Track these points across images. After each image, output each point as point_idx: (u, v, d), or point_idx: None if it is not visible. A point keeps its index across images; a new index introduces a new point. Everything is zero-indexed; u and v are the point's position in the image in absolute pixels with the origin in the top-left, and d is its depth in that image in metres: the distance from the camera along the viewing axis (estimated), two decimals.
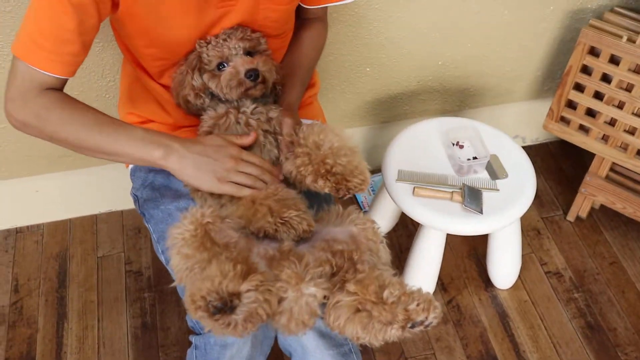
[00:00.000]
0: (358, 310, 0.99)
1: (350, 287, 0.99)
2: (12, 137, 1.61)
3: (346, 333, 1.01)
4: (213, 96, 1.16)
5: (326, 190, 1.05)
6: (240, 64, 1.10)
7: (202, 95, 1.14)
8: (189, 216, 1.00)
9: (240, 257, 0.95)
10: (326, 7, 1.28)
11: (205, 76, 1.13)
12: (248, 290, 0.89)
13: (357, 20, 1.57)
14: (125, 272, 1.71)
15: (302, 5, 1.25)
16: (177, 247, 0.98)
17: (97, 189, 1.79)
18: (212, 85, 1.13)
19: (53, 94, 1.05)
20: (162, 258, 1.20)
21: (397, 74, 1.73)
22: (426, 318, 0.95)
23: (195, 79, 1.13)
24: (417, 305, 0.95)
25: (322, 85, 1.68)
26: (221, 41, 1.11)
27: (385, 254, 1.10)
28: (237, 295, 0.89)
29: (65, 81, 1.08)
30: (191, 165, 1.05)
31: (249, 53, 1.13)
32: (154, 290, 1.67)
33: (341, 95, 1.74)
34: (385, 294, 0.96)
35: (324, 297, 1.03)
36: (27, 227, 1.80)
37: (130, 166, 1.31)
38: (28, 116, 1.04)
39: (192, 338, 1.17)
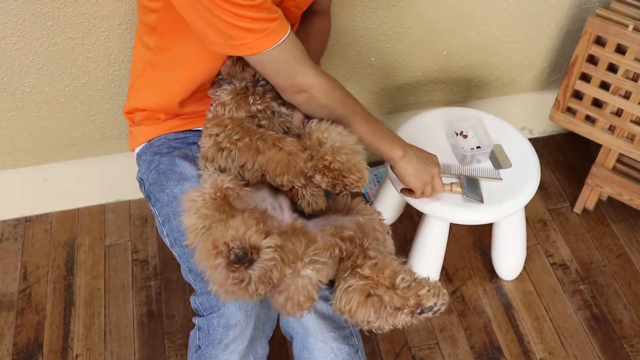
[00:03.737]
0: (369, 295, 1.02)
1: (365, 271, 1.02)
2: (21, 126, 1.63)
3: (357, 317, 1.03)
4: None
5: (323, 186, 1.08)
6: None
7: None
8: (209, 180, 1.02)
9: (260, 220, 0.97)
10: None
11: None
12: (268, 247, 0.91)
13: (361, 10, 1.58)
14: (131, 261, 1.73)
15: None
16: (195, 207, 1.00)
17: (105, 179, 1.81)
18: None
19: (323, 75, 1.14)
20: (166, 241, 1.22)
21: (402, 64, 1.73)
22: (435, 304, 0.99)
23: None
24: (428, 290, 1.00)
25: None
26: None
27: (390, 244, 1.13)
28: (257, 249, 0.91)
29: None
30: (414, 168, 1.27)
31: None
32: (160, 278, 1.68)
33: (345, 86, 1.72)
34: (398, 279, 1.00)
35: (333, 283, 1.05)
36: (36, 216, 1.83)
37: (137, 150, 1.32)
38: (326, 80, 1.15)
39: (195, 320, 1.18)
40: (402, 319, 1.01)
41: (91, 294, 1.66)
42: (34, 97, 1.58)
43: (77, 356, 1.54)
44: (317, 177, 1.07)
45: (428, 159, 1.30)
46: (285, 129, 1.16)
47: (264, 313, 1.16)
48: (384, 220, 1.15)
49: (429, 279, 1.03)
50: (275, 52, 1.07)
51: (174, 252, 1.22)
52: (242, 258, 0.90)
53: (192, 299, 1.18)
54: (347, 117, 1.17)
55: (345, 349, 1.18)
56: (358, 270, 1.03)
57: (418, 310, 1.00)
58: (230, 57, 1.17)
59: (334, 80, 1.17)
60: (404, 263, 1.07)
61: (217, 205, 0.99)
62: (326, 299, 1.18)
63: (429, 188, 1.31)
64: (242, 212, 0.99)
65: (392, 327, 1.03)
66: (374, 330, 1.04)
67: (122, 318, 1.61)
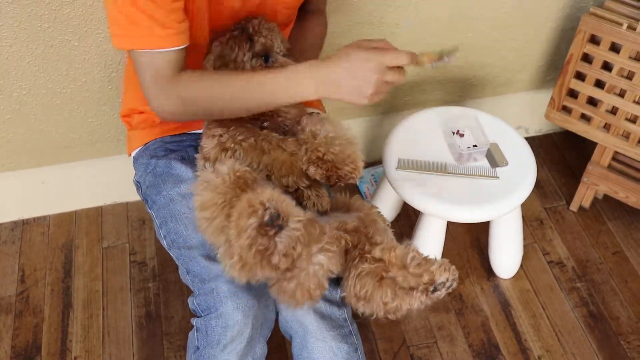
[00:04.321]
0: (382, 278, 1.01)
1: (376, 253, 1.02)
2: (18, 128, 1.63)
3: (374, 300, 1.02)
4: None
5: (317, 177, 1.07)
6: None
7: None
8: (225, 165, 1.01)
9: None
10: None
11: (248, 55, 1.13)
12: (297, 217, 0.91)
13: (357, 10, 1.58)
14: (129, 263, 1.73)
15: None
16: (212, 186, 0.99)
17: (102, 181, 1.81)
18: (249, 66, 1.13)
19: (185, 75, 1.06)
20: (163, 243, 1.22)
21: None
22: (447, 279, 0.99)
23: (240, 54, 1.14)
24: (439, 266, 1.00)
25: None
26: (268, 34, 1.12)
27: (391, 235, 1.13)
28: (287, 217, 0.91)
29: (184, 51, 1.06)
30: (343, 92, 1.03)
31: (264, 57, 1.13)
32: (158, 280, 1.68)
33: None
34: (408, 258, 1.00)
35: (337, 282, 1.05)
36: (34, 218, 1.83)
37: (133, 154, 1.33)
38: (175, 105, 1.07)
39: (194, 321, 1.18)
40: (417, 298, 1.00)
41: (89, 296, 1.66)
42: (30, 100, 1.58)
43: (75, 358, 1.54)
44: (311, 169, 1.06)
45: (356, 65, 1.01)
46: (285, 127, 1.16)
47: (262, 314, 1.17)
48: (382, 214, 1.16)
49: (436, 257, 1.03)
50: (140, 56, 1.04)
51: (171, 254, 1.22)
52: (275, 220, 0.89)
53: (189, 300, 1.19)
54: (225, 105, 1.08)
55: (345, 347, 1.18)
56: (367, 255, 1.03)
57: (431, 288, 0.99)
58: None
59: (181, 101, 1.08)
60: (409, 245, 1.07)
61: (237, 183, 0.98)
62: (325, 299, 1.18)
63: (383, 86, 1.03)
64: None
65: (408, 308, 1.02)
66: (389, 316, 1.03)
67: (120, 320, 1.61)
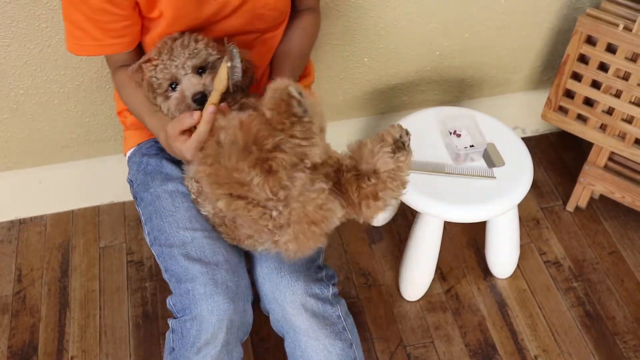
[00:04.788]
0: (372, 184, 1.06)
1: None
2: (15, 128, 1.63)
3: (386, 198, 1.06)
4: None
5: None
6: (187, 87, 1.11)
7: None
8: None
9: None
10: None
11: (159, 99, 1.15)
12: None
13: (354, 10, 1.58)
14: (126, 262, 1.73)
15: None
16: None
17: (99, 181, 1.81)
18: (165, 108, 1.15)
19: (119, 75, 1.24)
20: (147, 239, 1.23)
21: (396, 65, 1.74)
22: (400, 135, 1.06)
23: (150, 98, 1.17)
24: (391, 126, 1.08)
25: (320, 75, 1.69)
26: (168, 60, 1.12)
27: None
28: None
29: (132, 52, 1.21)
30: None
31: (201, 68, 1.13)
32: (155, 279, 1.68)
33: (339, 86, 1.75)
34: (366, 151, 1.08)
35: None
36: (31, 218, 1.83)
37: (128, 153, 1.34)
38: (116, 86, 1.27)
39: (170, 321, 1.18)
40: (389, 162, 1.05)
41: (86, 295, 1.66)
42: (28, 99, 1.58)
43: (72, 358, 1.54)
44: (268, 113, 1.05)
45: (166, 139, 1.14)
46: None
47: (239, 318, 1.17)
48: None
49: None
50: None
51: (153, 251, 1.22)
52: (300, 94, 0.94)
53: (167, 299, 1.19)
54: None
55: (339, 344, 1.18)
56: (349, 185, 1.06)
57: (396, 146, 1.05)
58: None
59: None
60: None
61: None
62: (317, 297, 1.18)
63: (181, 147, 1.09)
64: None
65: (406, 188, 1.08)
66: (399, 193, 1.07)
67: (117, 320, 1.61)
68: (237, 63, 1.07)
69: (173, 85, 1.13)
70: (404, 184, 1.07)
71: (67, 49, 1.19)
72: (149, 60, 1.14)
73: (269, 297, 1.19)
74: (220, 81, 1.07)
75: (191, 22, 1.16)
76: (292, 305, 1.17)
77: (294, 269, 1.17)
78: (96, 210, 1.84)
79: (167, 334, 1.19)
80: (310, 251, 1.00)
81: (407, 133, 1.07)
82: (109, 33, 1.14)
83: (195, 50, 1.12)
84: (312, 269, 1.20)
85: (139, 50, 1.23)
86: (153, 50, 1.15)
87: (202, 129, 1.04)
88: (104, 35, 1.14)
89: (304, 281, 1.17)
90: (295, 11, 1.31)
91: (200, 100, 1.10)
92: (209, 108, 1.04)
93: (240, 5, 1.17)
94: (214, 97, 1.08)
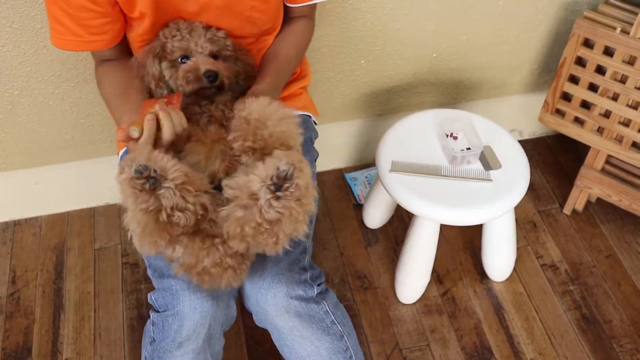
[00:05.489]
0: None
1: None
2: (10, 129, 1.62)
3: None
4: (172, 90, 1.16)
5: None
6: (202, 61, 1.12)
7: (162, 85, 1.16)
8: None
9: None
10: (310, 5, 1.29)
11: (165, 64, 1.14)
12: (174, 168, 0.96)
13: (351, 12, 1.58)
14: (121, 264, 1.72)
15: (286, 4, 1.27)
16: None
17: (95, 182, 1.80)
18: (167, 74, 1.14)
19: (100, 69, 1.25)
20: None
21: (392, 67, 1.74)
22: (281, 167, 0.93)
23: (154, 66, 1.15)
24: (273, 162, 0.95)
25: (317, 77, 1.69)
26: (187, 35, 1.13)
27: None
28: (164, 172, 0.95)
29: (115, 47, 1.22)
30: None
31: (214, 56, 1.14)
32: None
33: (336, 88, 1.75)
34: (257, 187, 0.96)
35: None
36: (26, 219, 1.82)
37: (120, 152, 1.33)
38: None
39: (152, 313, 1.18)
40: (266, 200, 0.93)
41: (81, 297, 1.65)
42: (23, 100, 1.57)
43: None
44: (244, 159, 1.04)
45: None
46: (230, 115, 1.11)
47: (223, 314, 1.16)
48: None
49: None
50: None
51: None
52: (143, 171, 0.92)
53: (149, 295, 1.19)
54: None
55: (326, 339, 1.17)
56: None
57: (276, 186, 0.93)
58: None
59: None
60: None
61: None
62: (301, 299, 1.16)
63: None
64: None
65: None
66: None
67: (112, 322, 1.60)
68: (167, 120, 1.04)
69: (183, 60, 1.13)
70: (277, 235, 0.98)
71: (51, 43, 1.20)
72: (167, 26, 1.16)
73: (251, 299, 1.18)
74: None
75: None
76: (273, 307, 1.15)
77: (276, 272, 1.15)
78: (91, 212, 1.84)
79: (147, 324, 1.19)
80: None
81: (289, 163, 0.94)
82: (88, 29, 1.15)
83: (215, 37, 1.15)
84: (295, 270, 1.17)
85: (124, 46, 1.24)
86: (168, 29, 1.15)
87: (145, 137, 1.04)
88: (84, 32, 1.15)
89: (285, 284, 1.14)
90: (289, 18, 1.31)
91: (212, 78, 1.11)
92: (148, 116, 1.04)
93: (223, 5, 1.16)
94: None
